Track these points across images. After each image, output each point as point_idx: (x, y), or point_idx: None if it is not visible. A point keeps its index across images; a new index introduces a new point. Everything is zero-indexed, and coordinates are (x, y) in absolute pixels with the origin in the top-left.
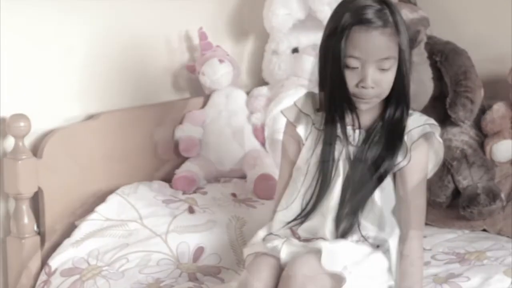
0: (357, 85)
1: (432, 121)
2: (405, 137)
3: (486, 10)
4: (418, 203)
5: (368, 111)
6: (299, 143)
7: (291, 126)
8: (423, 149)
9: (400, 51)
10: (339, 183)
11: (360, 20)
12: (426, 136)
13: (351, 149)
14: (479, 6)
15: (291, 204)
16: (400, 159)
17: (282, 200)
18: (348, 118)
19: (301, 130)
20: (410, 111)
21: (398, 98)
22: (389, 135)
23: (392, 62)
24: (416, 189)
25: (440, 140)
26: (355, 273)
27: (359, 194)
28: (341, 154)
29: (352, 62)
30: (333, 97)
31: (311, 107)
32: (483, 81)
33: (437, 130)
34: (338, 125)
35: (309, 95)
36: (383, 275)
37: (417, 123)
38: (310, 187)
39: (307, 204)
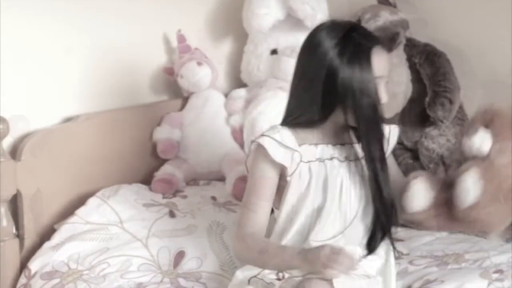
0: None
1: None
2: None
3: (465, 12)
4: None
5: (331, 129)
6: (278, 181)
7: (274, 163)
8: None
9: None
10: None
11: (376, 42)
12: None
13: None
14: (458, 9)
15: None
16: None
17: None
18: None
19: (286, 163)
20: None
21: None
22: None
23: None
24: None
25: None
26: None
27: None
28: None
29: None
30: (365, 118)
31: (295, 142)
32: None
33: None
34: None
35: (290, 131)
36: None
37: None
38: (307, 220)
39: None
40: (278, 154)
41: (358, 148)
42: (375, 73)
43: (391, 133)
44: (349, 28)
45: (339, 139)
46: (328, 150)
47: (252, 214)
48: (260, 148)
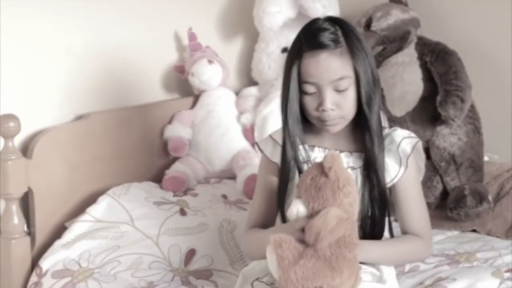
0: (317, 109)
1: (413, 134)
2: (398, 150)
3: (476, 11)
4: (424, 211)
5: (346, 135)
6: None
7: (268, 161)
8: (413, 161)
9: (356, 70)
10: None
11: (308, 46)
12: (416, 148)
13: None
14: (470, 7)
15: None
16: (394, 175)
17: None
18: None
19: (277, 161)
20: (396, 127)
21: (366, 119)
22: (380, 157)
23: (348, 81)
24: (419, 198)
25: (423, 153)
26: None
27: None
28: None
29: (308, 88)
30: (294, 123)
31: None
32: (471, 81)
33: (419, 142)
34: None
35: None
36: None
37: (403, 135)
38: None
39: None
40: (269, 152)
41: (356, 157)
42: (306, 78)
43: (403, 143)
44: (304, 27)
45: (339, 145)
46: (323, 155)
47: (250, 212)
48: (258, 148)
